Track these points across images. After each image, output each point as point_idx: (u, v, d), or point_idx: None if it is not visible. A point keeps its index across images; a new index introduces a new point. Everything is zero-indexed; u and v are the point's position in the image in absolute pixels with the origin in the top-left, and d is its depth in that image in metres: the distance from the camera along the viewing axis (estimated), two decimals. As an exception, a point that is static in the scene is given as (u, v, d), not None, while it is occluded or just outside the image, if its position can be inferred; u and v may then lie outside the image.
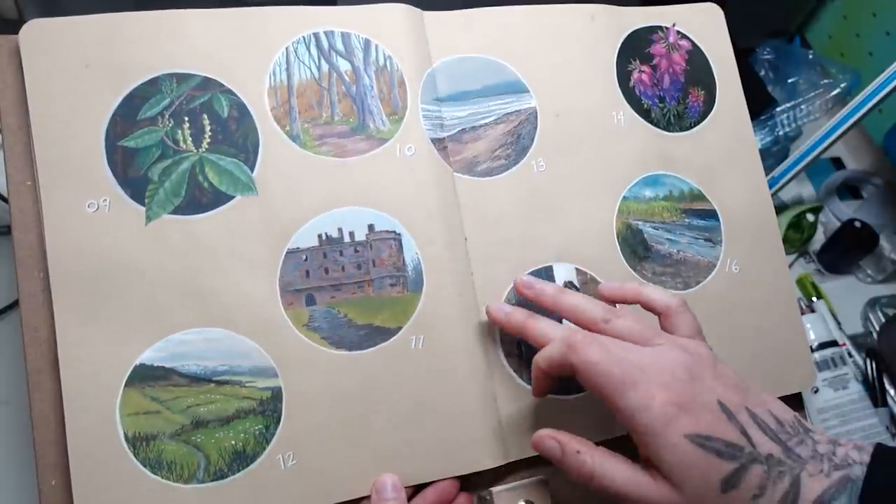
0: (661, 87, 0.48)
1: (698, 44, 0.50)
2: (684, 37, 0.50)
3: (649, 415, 0.31)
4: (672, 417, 0.31)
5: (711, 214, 0.47)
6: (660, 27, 0.50)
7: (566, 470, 0.33)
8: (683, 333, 0.36)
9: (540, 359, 0.35)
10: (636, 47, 0.48)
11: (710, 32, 0.51)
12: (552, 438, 0.34)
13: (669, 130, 0.48)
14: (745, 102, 0.50)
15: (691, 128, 0.48)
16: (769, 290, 0.47)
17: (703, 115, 0.49)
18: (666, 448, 0.30)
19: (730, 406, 0.32)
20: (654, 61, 0.49)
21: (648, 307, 0.38)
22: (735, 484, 0.30)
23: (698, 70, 0.50)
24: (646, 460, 0.32)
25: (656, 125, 0.47)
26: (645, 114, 0.47)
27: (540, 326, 0.37)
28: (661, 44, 0.49)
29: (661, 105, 0.48)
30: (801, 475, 0.30)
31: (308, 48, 0.41)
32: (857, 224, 0.74)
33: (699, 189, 0.47)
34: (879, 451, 0.31)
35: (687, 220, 0.46)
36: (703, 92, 0.49)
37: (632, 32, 0.49)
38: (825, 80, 0.77)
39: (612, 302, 0.38)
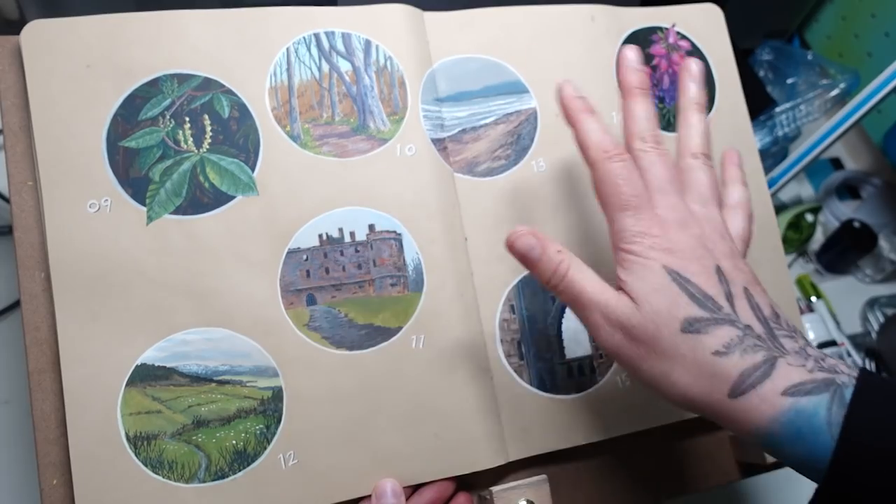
0: (661, 87, 0.48)
1: (698, 44, 0.50)
2: (684, 37, 0.50)
3: (639, 244, 0.31)
4: (660, 251, 0.30)
5: (711, 214, 0.47)
6: (659, 28, 0.50)
7: (541, 269, 0.32)
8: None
9: (577, 137, 0.34)
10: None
11: (710, 33, 0.51)
12: (531, 235, 0.32)
13: (669, 131, 0.48)
14: (744, 103, 0.50)
15: (691, 128, 0.48)
16: (769, 291, 0.47)
17: (703, 116, 0.49)
18: (640, 265, 0.30)
19: (727, 275, 0.30)
20: (654, 62, 0.49)
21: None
22: (698, 329, 0.29)
23: (698, 70, 0.50)
24: (618, 282, 0.31)
25: (656, 125, 0.47)
26: (645, 114, 0.47)
27: (590, 125, 0.34)
28: (660, 44, 0.49)
29: (660, 106, 0.48)
30: (778, 359, 0.28)
31: (308, 48, 0.42)
32: (856, 224, 0.74)
33: (699, 189, 0.47)
34: (865, 372, 0.28)
35: (686, 220, 0.46)
36: (702, 92, 0.49)
37: (632, 33, 0.49)
38: (824, 81, 0.78)
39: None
